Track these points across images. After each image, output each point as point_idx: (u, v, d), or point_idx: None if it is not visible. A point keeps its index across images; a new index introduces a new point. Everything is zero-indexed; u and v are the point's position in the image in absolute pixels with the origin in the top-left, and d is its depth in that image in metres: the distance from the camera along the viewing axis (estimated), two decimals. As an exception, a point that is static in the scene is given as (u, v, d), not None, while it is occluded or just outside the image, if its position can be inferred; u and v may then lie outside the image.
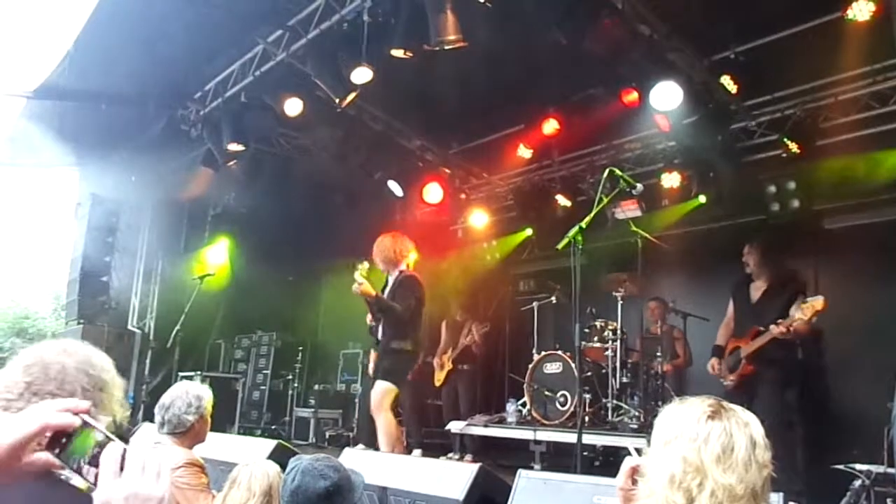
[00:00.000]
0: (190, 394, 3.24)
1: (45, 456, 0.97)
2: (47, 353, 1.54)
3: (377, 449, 5.43)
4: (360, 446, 6.56)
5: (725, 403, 1.50)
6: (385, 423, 5.35)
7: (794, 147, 6.64)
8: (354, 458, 3.73)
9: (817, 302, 4.79)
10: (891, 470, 3.61)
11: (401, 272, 5.66)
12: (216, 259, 9.48)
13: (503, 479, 3.37)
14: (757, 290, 5.47)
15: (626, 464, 1.63)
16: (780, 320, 4.98)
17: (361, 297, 5.42)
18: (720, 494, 1.37)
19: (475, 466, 3.37)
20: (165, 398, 3.24)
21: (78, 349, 1.59)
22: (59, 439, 0.98)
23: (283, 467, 2.44)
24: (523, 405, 7.19)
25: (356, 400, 7.82)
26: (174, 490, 2.94)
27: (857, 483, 3.47)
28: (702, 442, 1.41)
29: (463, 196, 9.55)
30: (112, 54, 6.66)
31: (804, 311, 4.79)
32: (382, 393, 5.39)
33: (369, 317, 5.73)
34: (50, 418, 0.98)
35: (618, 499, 1.63)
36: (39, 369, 1.49)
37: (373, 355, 5.88)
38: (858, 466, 3.61)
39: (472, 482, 3.24)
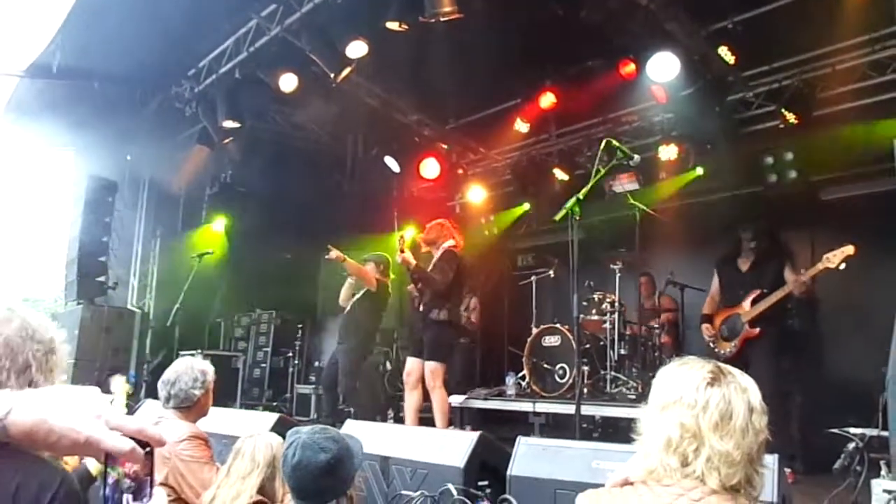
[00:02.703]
0: (195, 368, 3.27)
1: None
2: None
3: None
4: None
5: (725, 367, 1.51)
6: (439, 399, 5.68)
7: (791, 118, 6.62)
8: (355, 429, 3.77)
9: (848, 248, 4.78)
10: (885, 433, 3.66)
11: (444, 249, 5.89)
12: (214, 237, 9.47)
13: (503, 447, 3.41)
14: (745, 261, 5.52)
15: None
16: (802, 270, 4.98)
17: (403, 266, 5.74)
18: (716, 460, 1.39)
19: (475, 434, 3.41)
20: (170, 373, 3.27)
21: (10, 315, 1.46)
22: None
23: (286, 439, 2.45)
24: (522, 378, 7.25)
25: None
26: (178, 463, 2.98)
27: (851, 446, 3.52)
28: (700, 409, 1.42)
29: (460, 171, 9.53)
30: (104, 32, 6.57)
31: (831, 259, 4.80)
32: (433, 373, 5.64)
33: (411, 287, 5.98)
34: (133, 452, 0.93)
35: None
36: None
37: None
38: (853, 430, 3.66)
39: (473, 450, 3.27)
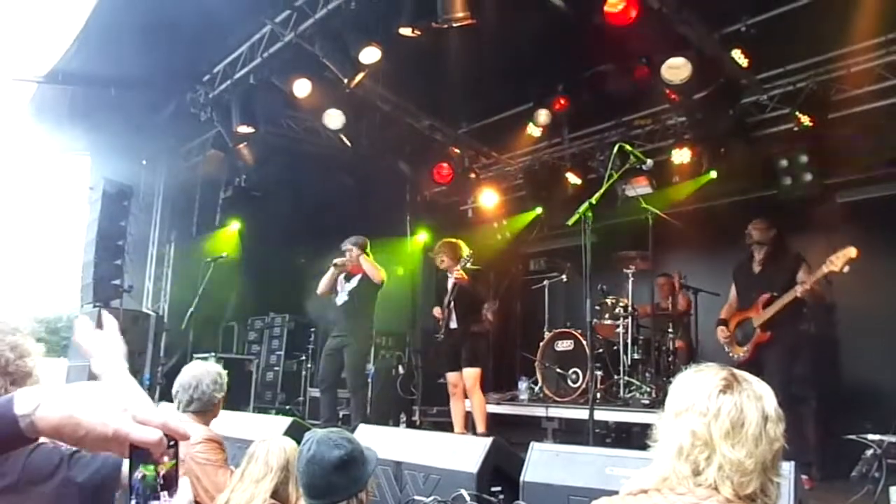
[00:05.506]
0: (213, 371, 3.29)
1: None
2: None
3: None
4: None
5: (740, 374, 1.49)
6: (478, 402, 6.10)
7: (806, 120, 6.56)
8: (369, 434, 3.78)
9: (850, 250, 4.65)
10: (903, 439, 3.62)
11: (475, 270, 6.25)
12: (228, 241, 9.54)
13: (516, 452, 3.40)
14: (758, 263, 5.51)
15: None
16: (801, 279, 4.94)
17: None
18: (727, 469, 1.37)
19: (489, 439, 3.40)
20: (188, 378, 3.27)
21: None
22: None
23: (299, 443, 2.48)
24: (535, 383, 7.24)
25: (370, 380, 7.85)
26: (193, 465, 3.00)
27: (869, 452, 3.48)
28: (712, 417, 1.41)
29: (473, 176, 9.51)
30: (120, 38, 6.65)
31: (834, 262, 4.67)
32: (473, 378, 6.07)
33: (437, 310, 6.35)
34: (160, 443, 0.92)
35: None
36: None
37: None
38: (871, 437, 3.62)
39: (486, 455, 3.26)
